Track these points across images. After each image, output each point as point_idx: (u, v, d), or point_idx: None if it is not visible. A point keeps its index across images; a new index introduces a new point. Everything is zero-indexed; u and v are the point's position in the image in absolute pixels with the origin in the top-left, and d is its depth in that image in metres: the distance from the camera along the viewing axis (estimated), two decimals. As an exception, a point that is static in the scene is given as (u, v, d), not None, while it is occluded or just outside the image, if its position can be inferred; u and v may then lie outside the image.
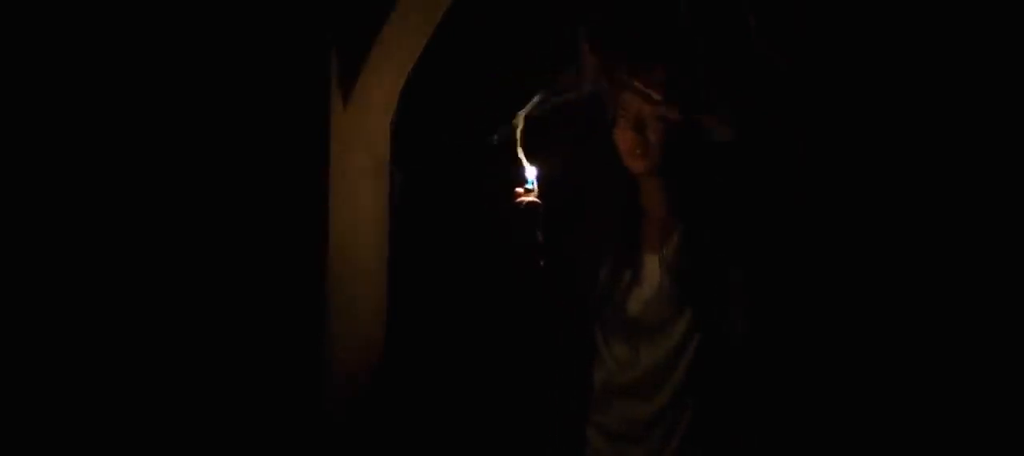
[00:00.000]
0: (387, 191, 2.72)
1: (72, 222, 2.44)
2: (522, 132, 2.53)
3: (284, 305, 2.39)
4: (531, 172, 2.55)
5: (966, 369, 2.79)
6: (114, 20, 2.42)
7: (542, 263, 2.58)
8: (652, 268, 2.51)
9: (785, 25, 2.88)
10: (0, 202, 2.45)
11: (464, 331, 3.08)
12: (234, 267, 2.41)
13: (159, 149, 2.42)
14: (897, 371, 2.83)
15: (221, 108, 2.40)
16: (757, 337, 2.45)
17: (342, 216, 2.45)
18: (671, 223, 2.51)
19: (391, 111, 2.70)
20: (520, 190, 2.55)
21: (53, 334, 2.44)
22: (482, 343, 3.06)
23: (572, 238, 2.61)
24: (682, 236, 2.47)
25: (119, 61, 2.43)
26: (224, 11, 2.39)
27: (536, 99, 2.57)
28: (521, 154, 2.55)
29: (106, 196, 2.43)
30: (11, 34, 2.44)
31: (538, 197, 2.54)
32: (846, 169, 2.88)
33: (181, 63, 2.41)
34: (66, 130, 2.44)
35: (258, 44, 2.39)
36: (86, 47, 2.43)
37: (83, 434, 2.43)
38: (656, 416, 2.45)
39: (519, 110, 2.63)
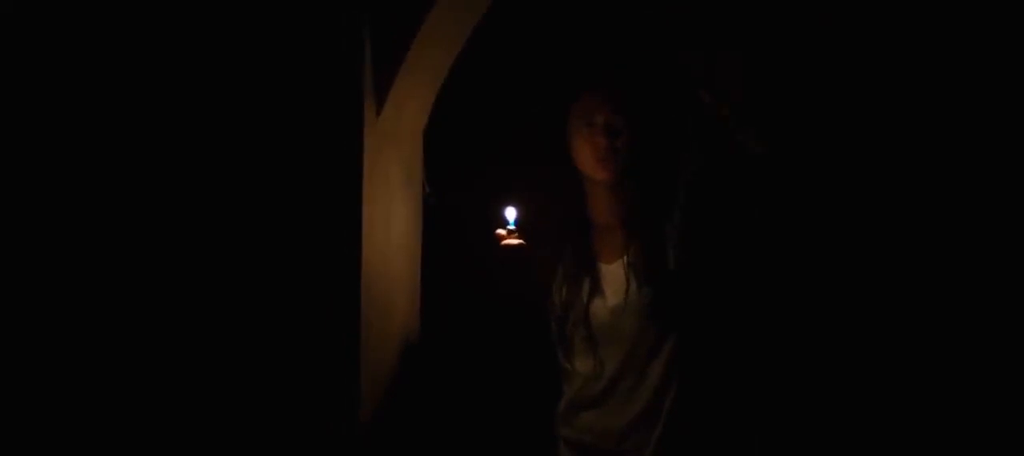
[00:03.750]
0: (419, 198, 2.74)
1: (115, 227, 2.45)
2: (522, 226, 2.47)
3: (319, 310, 2.40)
4: (511, 213, 2.48)
5: (956, 370, 2.79)
6: (155, 31, 2.45)
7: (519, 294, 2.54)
8: (614, 276, 2.44)
9: (779, 32, 2.88)
10: (44, 216, 2.48)
11: (480, 338, 3.07)
12: (270, 272, 2.42)
13: (195, 157, 2.44)
14: (874, 374, 2.83)
15: (256, 118, 2.42)
16: (733, 340, 2.41)
17: (375, 222, 2.47)
18: (632, 229, 2.45)
19: (423, 120, 2.72)
20: (502, 232, 2.49)
21: (100, 338, 2.45)
22: (491, 352, 3.04)
23: (522, 257, 2.54)
24: (647, 241, 2.41)
25: (159, 71, 2.45)
26: (259, 22, 2.42)
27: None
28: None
29: (150, 202, 2.45)
30: (50, 41, 2.48)
31: (521, 238, 2.47)
32: (826, 171, 2.87)
33: (217, 73, 2.43)
34: (112, 138, 2.46)
35: (293, 55, 2.40)
36: (129, 57, 2.46)
37: (127, 431, 2.45)
38: (628, 428, 2.40)
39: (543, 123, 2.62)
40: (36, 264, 2.46)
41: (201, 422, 2.41)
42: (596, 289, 2.45)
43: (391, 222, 2.58)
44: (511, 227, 2.48)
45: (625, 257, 2.44)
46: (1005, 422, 2.74)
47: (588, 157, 2.45)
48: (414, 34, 2.43)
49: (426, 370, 2.73)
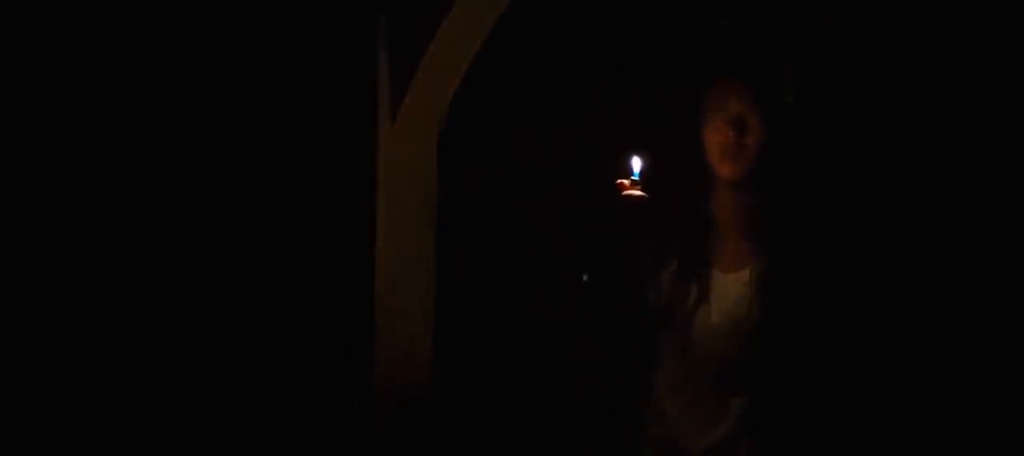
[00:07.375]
0: (434, 203, 2.76)
1: (139, 228, 2.51)
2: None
3: (334, 312, 2.46)
4: (636, 163, 2.22)
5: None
6: (177, 45, 2.50)
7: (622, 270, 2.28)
8: (729, 289, 2.23)
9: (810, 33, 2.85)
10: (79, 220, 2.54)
11: (511, 337, 3.01)
12: (284, 275, 2.47)
13: (211, 165, 2.49)
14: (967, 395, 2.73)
15: (272, 128, 2.47)
16: (833, 368, 2.19)
17: (389, 227, 2.52)
18: (756, 240, 2.23)
19: (437, 127, 2.74)
20: (625, 183, 2.22)
21: (137, 336, 2.51)
22: (531, 350, 2.97)
23: (631, 245, 2.32)
24: (773, 256, 2.20)
25: (182, 82, 2.50)
26: (276, 34, 2.46)
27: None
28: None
29: (177, 204, 2.51)
30: (85, 61, 2.53)
31: (643, 191, 2.20)
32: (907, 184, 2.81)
33: (236, 83, 2.48)
34: (142, 148, 2.52)
35: (309, 65, 2.44)
36: (154, 70, 2.51)
37: (151, 424, 2.50)
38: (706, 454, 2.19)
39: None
40: (61, 262, 2.53)
41: (213, 421, 2.47)
42: (704, 297, 2.23)
43: (405, 225, 2.61)
44: (635, 178, 2.22)
45: (748, 270, 2.22)
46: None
47: (714, 149, 2.23)
48: (427, 45, 2.47)
49: (440, 371, 2.77)
